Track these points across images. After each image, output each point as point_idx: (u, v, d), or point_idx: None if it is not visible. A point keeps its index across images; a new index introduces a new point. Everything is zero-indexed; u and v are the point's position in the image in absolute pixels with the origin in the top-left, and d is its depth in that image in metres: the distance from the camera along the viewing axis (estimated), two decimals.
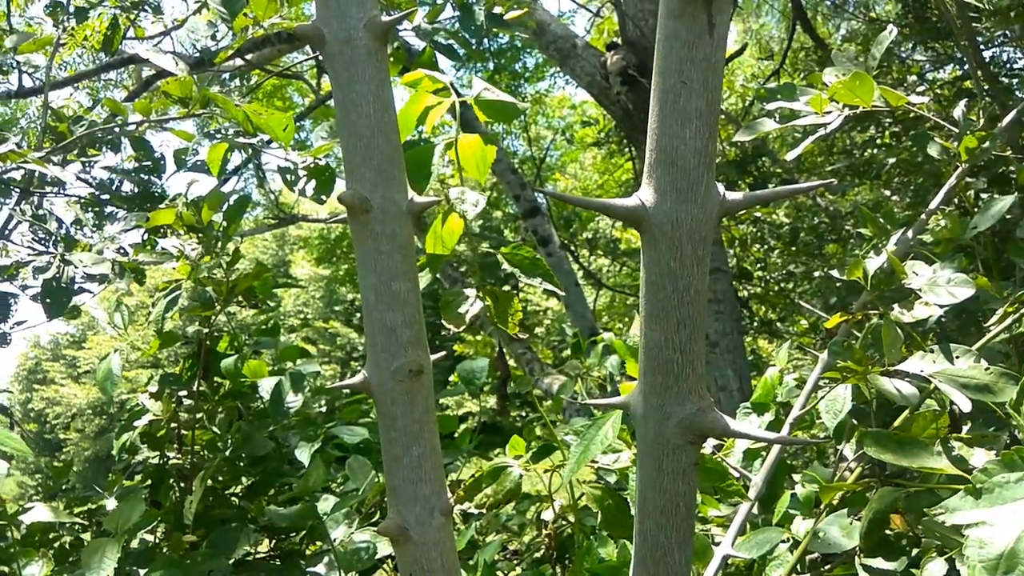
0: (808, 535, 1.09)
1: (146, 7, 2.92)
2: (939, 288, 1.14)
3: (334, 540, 1.60)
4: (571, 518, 1.60)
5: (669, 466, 0.58)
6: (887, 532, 1.03)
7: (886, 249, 1.18)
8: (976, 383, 1.01)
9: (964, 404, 0.95)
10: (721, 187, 0.55)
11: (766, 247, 6.14)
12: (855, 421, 1.20)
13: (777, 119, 1.36)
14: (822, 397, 1.15)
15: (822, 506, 1.18)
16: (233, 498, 1.98)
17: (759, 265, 6.40)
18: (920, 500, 1.00)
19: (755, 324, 6.63)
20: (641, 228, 0.56)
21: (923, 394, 1.09)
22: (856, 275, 1.17)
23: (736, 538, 1.16)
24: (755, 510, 1.25)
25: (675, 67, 0.52)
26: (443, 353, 1.03)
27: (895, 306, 1.15)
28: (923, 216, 1.31)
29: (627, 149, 6.92)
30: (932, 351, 1.08)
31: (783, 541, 1.23)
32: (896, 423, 1.15)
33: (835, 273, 1.23)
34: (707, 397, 0.58)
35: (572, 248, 8.03)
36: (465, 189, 1.21)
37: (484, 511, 1.36)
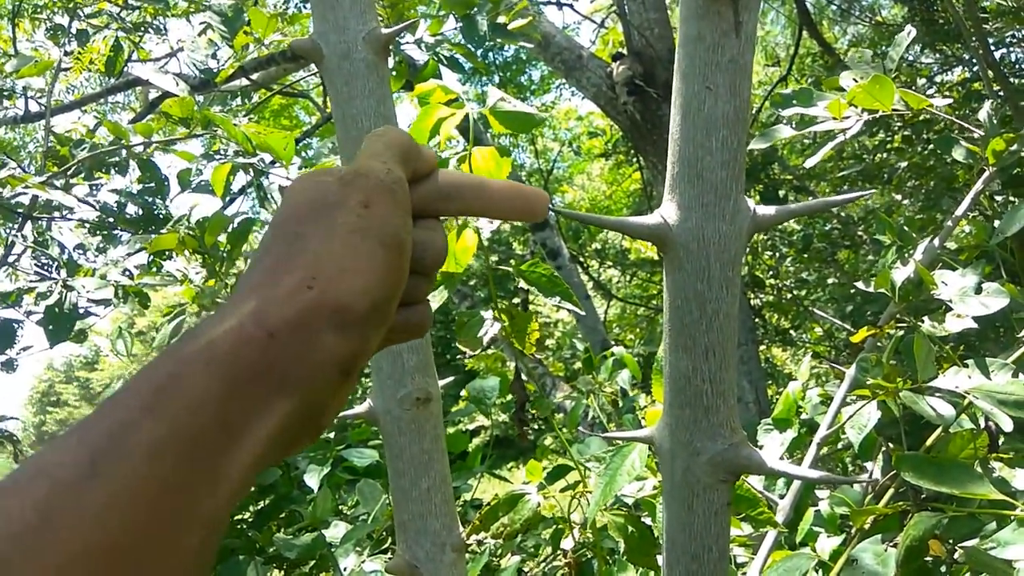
0: (841, 563, 1.03)
1: (149, 29, 2.91)
2: (971, 298, 1.09)
3: (344, 570, 1.55)
4: (590, 536, 1.55)
5: (700, 507, 0.53)
6: (926, 560, 0.97)
7: (913, 259, 1.13)
8: (1015, 399, 0.95)
9: (1005, 423, 0.89)
10: (751, 201, 0.50)
11: (778, 255, 6.08)
12: (890, 442, 1.14)
13: (793, 125, 1.31)
14: (851, 415, 1.10)
15: (853, 530, 1.13)
16: (241, 526, 1.94)
17: (771, 273, 6.33)
18: (961, 526, 0.94)
19: (768, 333, 6.56)
20: (664, 248, 0.51)
21: (957, 411, 1.04)
22: (883, 286, 1.12)
23: (763, 566, 1.11)
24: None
25: (699, 71, 0.48)
26: (451, 379, 0.99)
27: (926, 319, 1.09)
28: (949, 223, 1.26)
29: (635, 159, 6.89)
30: (967, 365, 1.03)
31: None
32: (929, 442, 1.10)
33: (860, 285, 1.18)
34: (740, 431, 0.53)
35: (581, 259, 7.98)
36: None
37: (501, 541, 1.31)
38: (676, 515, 0.54)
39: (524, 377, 1.55)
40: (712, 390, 0.51)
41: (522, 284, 1.20)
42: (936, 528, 0.94)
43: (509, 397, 1.83)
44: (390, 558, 1.68)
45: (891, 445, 1.16)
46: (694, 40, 0.48)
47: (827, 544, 1.23)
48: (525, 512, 1.24)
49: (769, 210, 0.50)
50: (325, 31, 0.88)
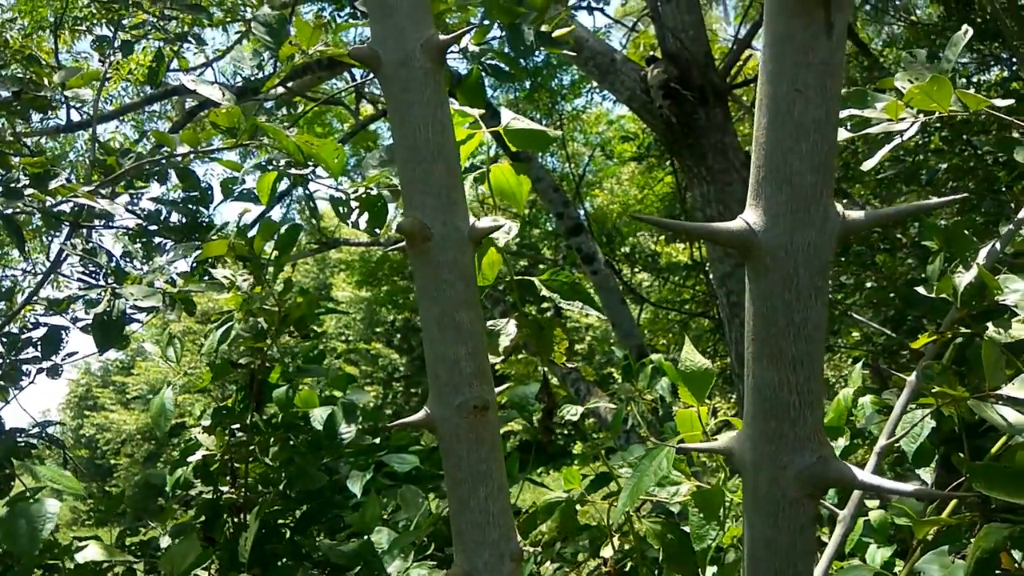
0: (905, 574, 1.01)
1: (189, 39, 2.95)
2: None
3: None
4: (630, 543, 1.53)
5: (785, 523, 0.51)
6: (996, 572, 0.94)
7: (976, 263, 1.10)
8: None
9: None
10: (840, 206, 0.49)
11: None
12: (946, 451, 1.11)
13: (848, 127, 1.29)
14: (913, 426, 1.07)
15: (914, 542, 1.10)
16: (285, 530, 1.94)
17: None
18: None
19: None
20: (749, 255, 0.50)
21: None
22: (945, 292, 1.09)
23: None
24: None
25: (788, 72, 0.46)
26: (507, 386, 0.98)
27: (989, 325, 1.06)
28: (1011, 227, 1.22)
29: (667, 163, 6.84)
30: None
31: None
32: (994, 450, 1.07)
33: (921, 290, 1.15)
34: (827, 444, 0.51)
35: (613, 264, 7.94)
36: (497, 217, 1.17)
37: (540, 548, 1.30)
38: (760, 532, 0.53)
39: (555, 383, 1.54)
40: (800, 402, 0.50)
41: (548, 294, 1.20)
42: (1008, 540, 0.92)
43: None
44: (434, 564, 1.67)
45: (959, 454, 1.13)
46: (783, 40, 0.46)
47: (877, 555, 1.20)
48: (563, 520, 1.23)
49: (859, 215, 0.49)
50: (383, 37, 0.88)
